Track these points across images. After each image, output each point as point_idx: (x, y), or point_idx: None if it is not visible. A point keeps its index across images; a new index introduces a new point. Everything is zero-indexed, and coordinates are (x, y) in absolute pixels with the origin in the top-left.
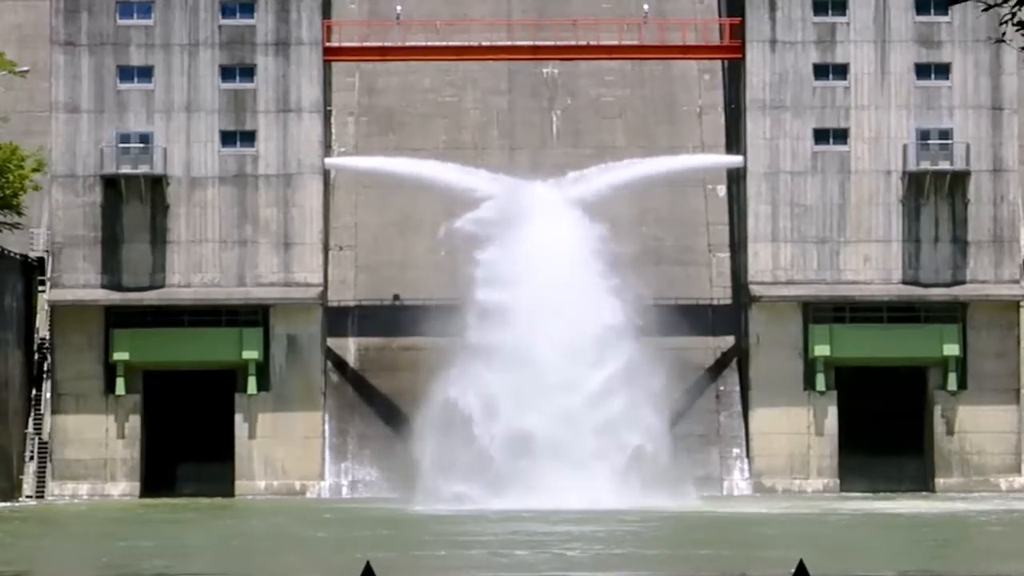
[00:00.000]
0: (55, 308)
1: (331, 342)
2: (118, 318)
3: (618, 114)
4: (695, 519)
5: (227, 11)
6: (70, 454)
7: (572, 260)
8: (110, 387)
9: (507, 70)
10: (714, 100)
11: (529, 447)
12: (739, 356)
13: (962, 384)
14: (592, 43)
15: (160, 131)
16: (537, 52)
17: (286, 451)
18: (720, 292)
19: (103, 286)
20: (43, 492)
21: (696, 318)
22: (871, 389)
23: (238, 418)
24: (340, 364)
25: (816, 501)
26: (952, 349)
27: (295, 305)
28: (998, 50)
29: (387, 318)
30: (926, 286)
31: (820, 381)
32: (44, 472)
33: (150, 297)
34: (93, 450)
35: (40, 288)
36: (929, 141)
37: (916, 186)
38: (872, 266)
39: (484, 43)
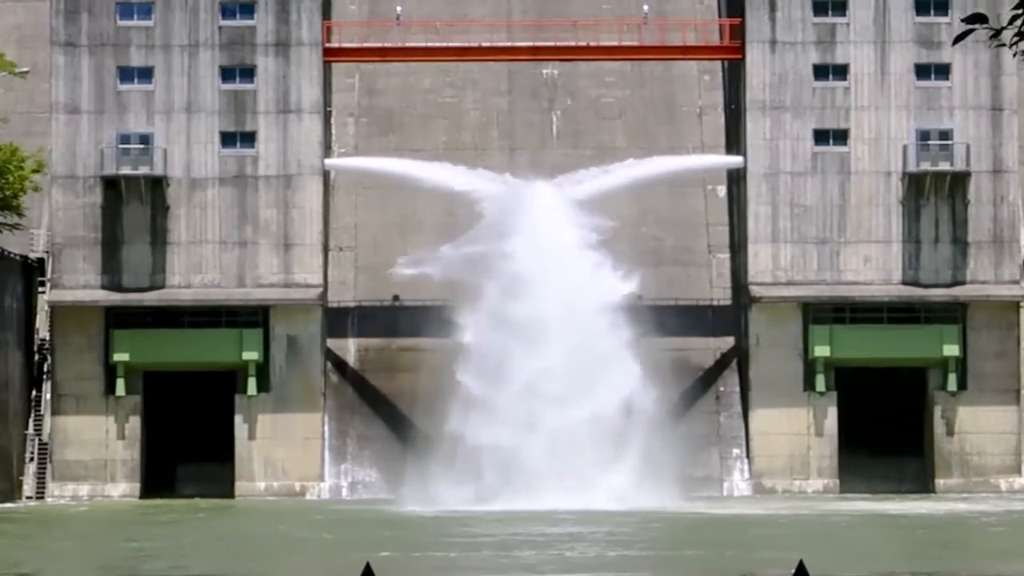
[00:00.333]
0: (55, 309)
1: (331, 343)
2: (118, 319)
3: (618, 115)
4: (695, 520)
5: (227, 12)
6: (70, 455)
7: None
8: (110, 388)
9: (507, 71)
10: (714, 101)
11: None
12: (739, 357)
13: (962, 385)
14: (592, 44)
15: (160, 132)
16: (537, 53)
17: (286, 452)
18: (720, 293)
19: (103, 287)
20: (43, 493)
21: (696, 319)
22: (871, 390)
23: (238, 419)
24: (340, 365)
25: (816, 502)
26: (952, 350)
27: (295, 306)
28: (998, 51)
29: (387, 319)
30: (926, 287)
31: (820, 382)
32: (44, 473)
33: (150, 298)
34: (93, 451)
35: (40, 289)
36: (929, 142)
37: (916, 187)
38: (872, 267)
39: (484, 44)
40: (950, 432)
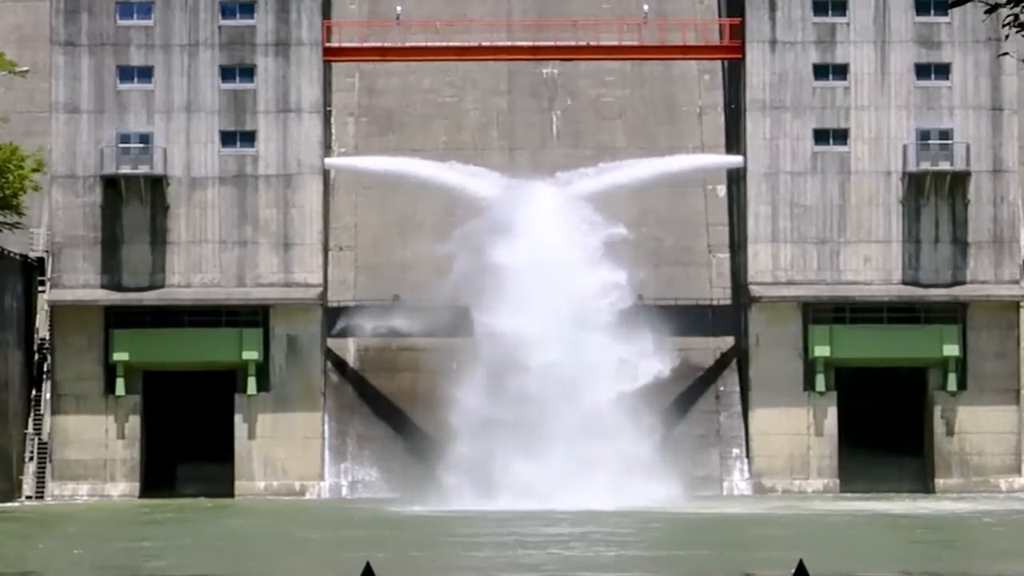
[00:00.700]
0: (55, 308)
1: (331, 343)
2: (118, 318)
3: (618, 114)
4: (695, 520)
5: (227, 11)
6: (70, 454)
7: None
8: (110, 387)
9: (507, 70)
10: (714, 100)
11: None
12: (739, 356)
13: (962, 385)
14: (592, 43)
15: (160, 131)
16: (537, 52)
17: (286, 451)
18: (720, 292)
19: (103, 286)
20: (43, 493)
21: (696, 318)
22: (871, 390)
23: (238, 418)
24: (340, 364)
25: (816, 502)
26: (952, 350)
27: (295, 305)
28: (998, 50)
29: (387, 319)
30: (926, 287)
31: (820, 381)
32: (44, 473)
33: (150, 297)
34: (93, 450)
35: (40, 288)
36: (929, 141)
37: (916, 187)
38: (872, 267)
39: (484, 43)
40: (950, 432)
